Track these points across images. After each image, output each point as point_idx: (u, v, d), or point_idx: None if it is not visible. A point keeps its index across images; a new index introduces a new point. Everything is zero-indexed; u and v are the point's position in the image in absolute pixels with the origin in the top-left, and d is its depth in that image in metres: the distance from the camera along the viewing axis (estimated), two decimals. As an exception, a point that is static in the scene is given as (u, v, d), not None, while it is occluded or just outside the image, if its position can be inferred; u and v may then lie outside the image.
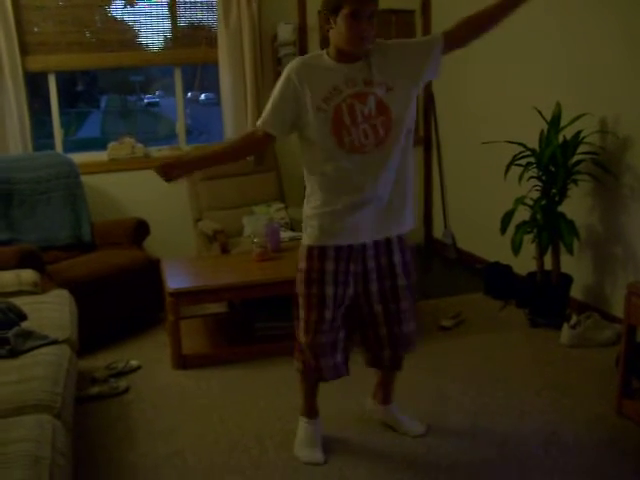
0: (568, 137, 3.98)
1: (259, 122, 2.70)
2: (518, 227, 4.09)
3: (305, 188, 2.76)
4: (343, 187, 2.64)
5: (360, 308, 2.80)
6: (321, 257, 2.70)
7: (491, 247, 4.94)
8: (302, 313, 2.77)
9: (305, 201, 2.77)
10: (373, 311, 2.79)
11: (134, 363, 3.84)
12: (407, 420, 3.10)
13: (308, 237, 2.73)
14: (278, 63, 5.27)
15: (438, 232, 5.92)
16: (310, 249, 2.72)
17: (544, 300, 4.21)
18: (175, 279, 3.89)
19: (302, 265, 2.75)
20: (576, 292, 4.24)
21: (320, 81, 2.58)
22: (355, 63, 2.59)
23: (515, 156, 4.14)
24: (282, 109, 2.63)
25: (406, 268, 2.80)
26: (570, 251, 3.93)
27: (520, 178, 4.04)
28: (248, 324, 4.19)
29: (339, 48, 2.58)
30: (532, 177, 4.08)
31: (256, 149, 3.18)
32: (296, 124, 2.64)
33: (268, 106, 2.67)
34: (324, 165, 2.63)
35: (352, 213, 2.65)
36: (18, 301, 3.32)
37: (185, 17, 5.21)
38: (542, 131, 4.09)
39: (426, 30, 5.62)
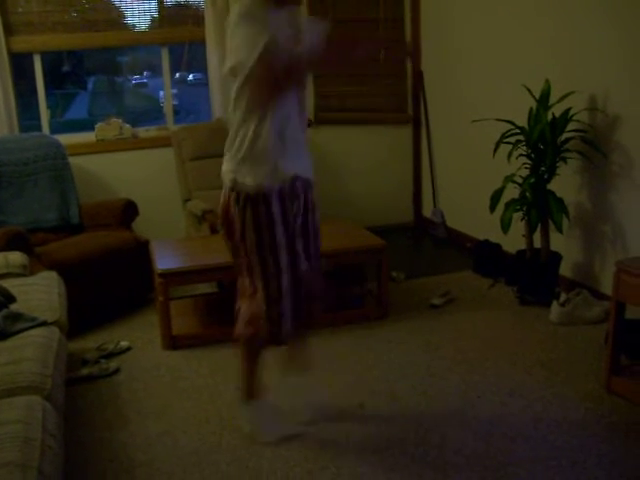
0: (557, 115, 3.97)
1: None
2: (507, 205, 4.09)
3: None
4: (283, 125, 2.62)
5: None
6: (266, 200, 2.64)
7: (480, 225, 4.95)
8: (257, 268, 2.77)
9: (236, 147, 2.65)
10: (295, 249, 2.75)
11: (124, 344, 3.83)
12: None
13: (252, 181, 2.63)
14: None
15: (427, 211, 5.92)
16: (255, 195, 2.63)
17: (533, 278, 4.22)
18: (164, 260, 3.88)
19: (247, 214, 2.65)
20: (565, 270, 4.26)
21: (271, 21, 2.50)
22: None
23: (504, 134, 4.13)
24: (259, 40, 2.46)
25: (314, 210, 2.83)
26: (559, 229, 3.93)
27: (509, 156, 4.04)
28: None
29: None
30: (521, 155, 4.08)
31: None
32: None
33: (244, 44, 2.46)
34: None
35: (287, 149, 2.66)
36: (6, 283, 3.30)
37: (171, -5, 5.16)
38: (531, 109, 4.08)
39: None
